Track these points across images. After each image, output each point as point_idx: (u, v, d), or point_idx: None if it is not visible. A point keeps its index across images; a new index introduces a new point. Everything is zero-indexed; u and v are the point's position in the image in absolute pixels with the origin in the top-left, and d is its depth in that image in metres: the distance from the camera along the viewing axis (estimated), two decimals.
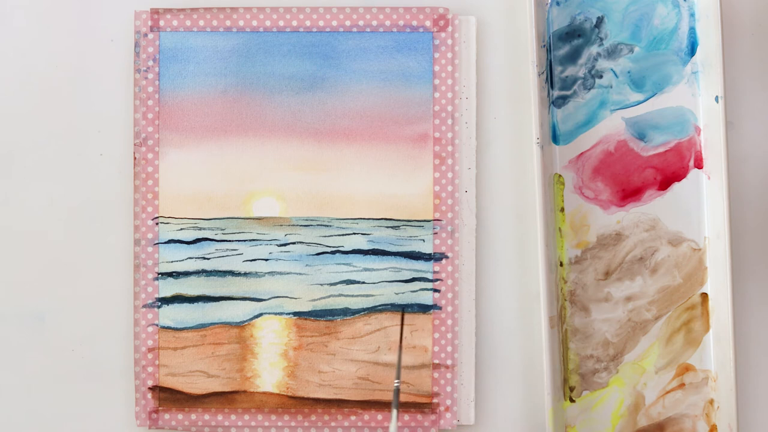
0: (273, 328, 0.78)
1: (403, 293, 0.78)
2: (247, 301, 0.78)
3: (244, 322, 0.78)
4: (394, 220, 0.78)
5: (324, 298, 0.78)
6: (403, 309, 0.78)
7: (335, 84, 0.78)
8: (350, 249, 0.78)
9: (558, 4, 0.79)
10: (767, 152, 0.80)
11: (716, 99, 0.77)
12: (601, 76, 0.80)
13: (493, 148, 0.80)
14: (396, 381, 0.75)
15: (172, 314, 0.78)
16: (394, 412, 0.73)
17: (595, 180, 0.79)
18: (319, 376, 0.78)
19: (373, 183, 0.78)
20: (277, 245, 0.78)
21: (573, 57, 0.80)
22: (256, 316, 0.78)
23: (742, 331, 0.79)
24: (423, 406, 0.78)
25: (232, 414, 0.78)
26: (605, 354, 0.79)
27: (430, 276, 0.78)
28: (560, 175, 0.79)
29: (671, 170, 0.80)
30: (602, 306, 0.79)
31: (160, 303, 0.78)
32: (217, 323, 0.78)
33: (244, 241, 0.78)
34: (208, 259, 0.78)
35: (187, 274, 0.78)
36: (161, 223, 0.78)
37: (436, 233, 0.78)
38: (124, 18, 0.79)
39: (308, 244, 0.78)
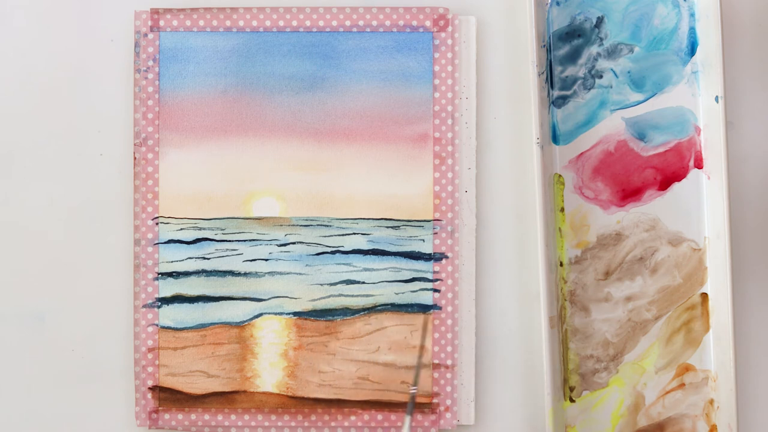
0: (273, 328, 0.78)
1: (403, 293, 0.78)
2: (247, 301, 0.78)
3: (244, 322, 0.78)
4: (394, 220, 0.78)
5: (324, 298, 0.78)
6: (425, 312, 0.78)
7: (335, 84, 0.78)
8: (350, 249, 0.78)
9: (558, 4, 0.79)
10: (767, 152, 0.80)
11: (716, 99, 0.77)
12: (601, 76, 0.80)
13: (493, 148, 0.80)
14: (413, 388, 0.75)
15: (172, 314, 0.78)
16: (407, 418, 0.74)
17: (595, 180, 0.79)
18: (319, 376, 0.78)
19: (373, 183, 0.78)
20: (277, 245, 0.78)
21: (573, 57, 0.80)
22: (256, 316, 0.78)
23: (742, 331, 0.79)
24: (423, 406, 0.78)
25: (232, 414, 0.78)
26: (605, 354, 0.79)
27: (430, 276, 0.78)
28: (560, 175, 0.79)
29: (671, 170, 0.80)
30: (602, 306, 0.79)
31: (160, 303, 0.78)
32: (217, 323, 0.78)
33: (244, 241, 0.78)
34: (208, 259, 0.78)
35: (187, 274, 0.78)
36: (161, 223, 0.78)
37: (436, 233, 0.78)
38: (124, 18, 0.79)
39: (308, 244, 0.78)
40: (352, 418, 0.78)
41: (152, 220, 0.78)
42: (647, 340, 0.79)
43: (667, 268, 0.79)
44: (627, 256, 0.79)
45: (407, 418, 0.74)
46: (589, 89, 0.80)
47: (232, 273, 0.78)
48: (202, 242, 0.78)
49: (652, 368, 0.79)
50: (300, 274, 0.78)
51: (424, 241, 0.78)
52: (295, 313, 0.78)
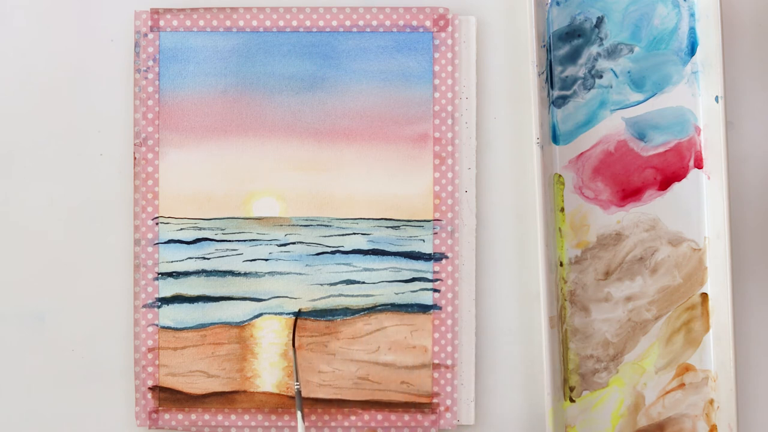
0: (273, 328, 0.78)
1: (403, 293, 0.78)
2: (247, 301, 0.78)
3: (244, 322, 0.78)
4: (394, 220, 0.78)
5: (324, 298, 0.78)
6: (296, 314, 0.78)
7: (335, 84, 0.78)
8: (350, 249, 0.78)
9: (558, 4, 0.79)
10: (767, 152, 0.80)
11: (716, 99, 0.77)
12: (601, 76, 0.80)
13: (493, 148, 0.80)
14: (296, 383, 0.75)
15: (172, 314, 0.78)
16: (299, 414, 0.74)
17: (595, 180, 0.80)
18: (319, 376, 0.78)
19: (373, 183, 0.78)
20: (277, 245, 0.78)
21: (573, 57, 0.80)
22: (256, 316, 0.78)
23: (742, 331, 0.79)
24: (423, 406, 0.78)
25: (232, 414, 0.78)
26: (605, 354, 0.79)
27: (430, 276, 0.78)
28: (560, 175, 0.79)
29: (671, 170, 0.80)
30: (602, 306, 0.79)
31: (160, 303, 0.78)
32: (217, 323, 0.78)
33: (244, 241, 0.78)
34: (208, 259, 0.78)
35: (187, 274, 0.78)
36: (161, 223, 0.78)
37: (436, 233, 0.78)
38: (124, 18, 0.79)
39: (308, 244, 0.78)
40: (352, 418, 0.78)
41: (152, 220, 0.78)
42: (647, 340, 0.79)
43: (667, 268, 0.79)
44: (627, 256, 0.79)
45: (298, 413, 0.74)
46: (589, 89, 0.80)
47: (232, 273, 0.78)
48: (202, 242, 0.78)
49: (652, 368, 0.79)
50: (300, 274, 0.78)
51: (424, 241, 0.78)
52: (295, 313, 0.78)
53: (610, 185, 0.80)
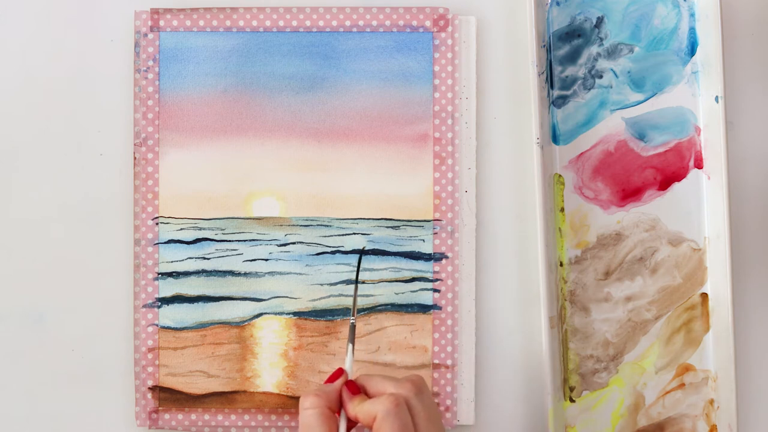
0: (273, 328, 0.78)
1: (403, 293, 0.78)
2: (247, 301, 0.78)
3: (244, 322, 0.78)
4: (394, 220, 0.78)
5: (324, 298, 0.78)
6: (361, 250, 0.77)
7: (335, 84, 0.78)
8: (350, 249, 0.78)
9: (558, 4, 0.79)
10: (767, 152, 0.80)
11: (716, 99, 0.77)
12: (601, 76, 0.80)
13: (493, 148, 0.80)
14: (352, 318, 0.72)
15: (172, 314, 0.78)
16: (350, 347, 0.71)
17: (595, 180, 0.80)
18: (319, 376, 0.78)
19: (373, 183, 0.78)
20: (277, 245, 0.78)
21: (573, 57, 0.80)
22: (256, 316, 0.78)
23: (742, 331, 0.79)
24: None
25: (232, 414, 0.78)
26: (605, 354, 0.79)
27: (430, 276, 0.78)
28: (560, 175, 0.79)
29: (671, 170, 0.80)
30: (602, 306, 0.79)
31: (160, 303, 0.78)
32: (217, 323, 0.78)
33: (244, 241, 0.78)
34: (208, 259, 0.78)
35: (187, 274, 0.78)
36: (161, 223, 0.78)
37: (436, 233, 0.78)
38: (124, 18, 0.79)
39: (308, 244, 0.78)
40: None
41: (152, 220, 0.78)
42: (647, 340, 0.79)
43: (667, 268, 0.79)
44: (627, 256, 0.79)
45: (349, 346, 0.71)
46: (589, 89, 0.80)
47: (232, 273, 0.78)
48: (202, 242, 0.78)
49: (652, 368, 0.79)
50: (300, 274, 0.78)
51: (424, 241, 0.78)
52: (295, 313, 0.78)
53: (610, 185, 0.80)
